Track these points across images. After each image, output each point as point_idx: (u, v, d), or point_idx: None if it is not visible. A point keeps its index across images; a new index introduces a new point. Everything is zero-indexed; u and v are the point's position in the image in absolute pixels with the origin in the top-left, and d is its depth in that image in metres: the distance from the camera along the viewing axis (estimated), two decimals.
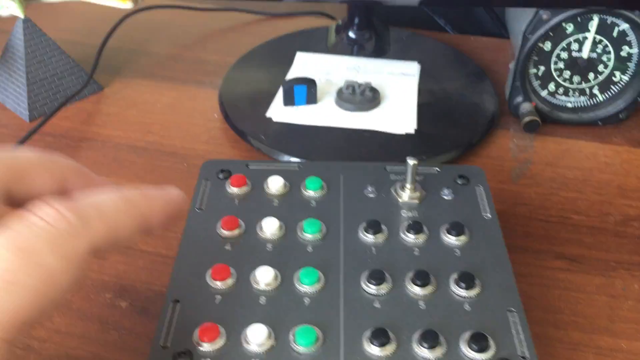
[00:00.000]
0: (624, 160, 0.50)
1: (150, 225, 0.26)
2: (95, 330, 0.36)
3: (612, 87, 0.53)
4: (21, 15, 0.52)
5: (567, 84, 0.53)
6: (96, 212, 0.24)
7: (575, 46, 0.51)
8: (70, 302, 0.38)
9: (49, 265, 0.22)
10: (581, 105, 0.53)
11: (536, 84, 0.53)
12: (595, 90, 0.53)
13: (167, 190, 0.28)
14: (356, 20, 0.59)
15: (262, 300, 0.31)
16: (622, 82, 0.52)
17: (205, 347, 0.29)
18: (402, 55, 0.60)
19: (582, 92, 0.53)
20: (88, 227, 0.24)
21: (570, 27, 0.50)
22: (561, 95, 0.53)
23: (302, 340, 0.29)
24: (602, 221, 0.44)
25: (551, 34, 0.50)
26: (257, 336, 0.29)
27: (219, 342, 0.29)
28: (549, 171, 0.49)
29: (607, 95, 0.53)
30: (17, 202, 0.26)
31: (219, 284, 0.32)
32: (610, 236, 0.43)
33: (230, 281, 0.32)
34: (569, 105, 0.53)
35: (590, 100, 0.53)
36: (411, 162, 0.36)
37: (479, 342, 0.29)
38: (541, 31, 0.49)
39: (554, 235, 0.43)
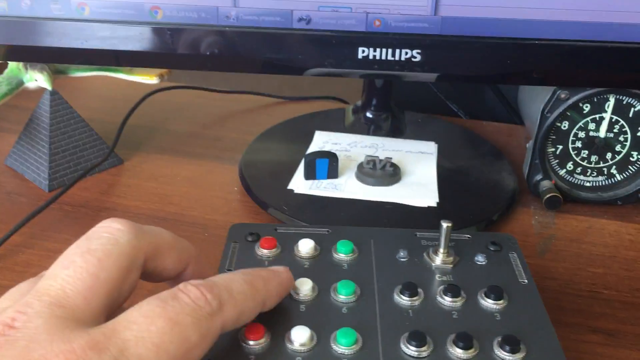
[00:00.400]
0: None
1: (265, 307, 0.30)
2: None
3: (629, 167, 0.53)
4: (49, 87, 0.53)
5: (585, 163, 0.53)
6: (229, 297, 0.28)
7: (592, 126, 0.52)
8: None
9: (190, 338, 0.25)
10: (600, 185, 0.54)
11: (554, 162, 0.53)
12: (613, 170, 0.53)
13: (279, 272, 0.32)
14: (373, 101, 0.61)
15: None
16: (639, 162, 0.53)
17: None
18: (419, 135, 0.60)
19: (600, 171, 0.53)
20: (223, 309, 0.27)
21: (587, 107, 0.51)
22: (579, 174, 0.54)
23: None
24: (634, 296, 0.43)
25: (568, 113, 0.51)
26: None
27: None
28: (574, 247, 0.48)
29: (625, 175, 0.53)
30: (146, 273, 0.30)
31: (252, 344, 0.30)
32: None
33: (264, 341, 0.31)
34: (588, 184, 0.54)
35: (609, 179, 0.54)
36: (445, 224, 0.36)
37: None
38: (559, 110, 0.51)
39: (587, 309, 0.42)
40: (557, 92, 0.50)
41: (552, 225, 0.51)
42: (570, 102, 0.50)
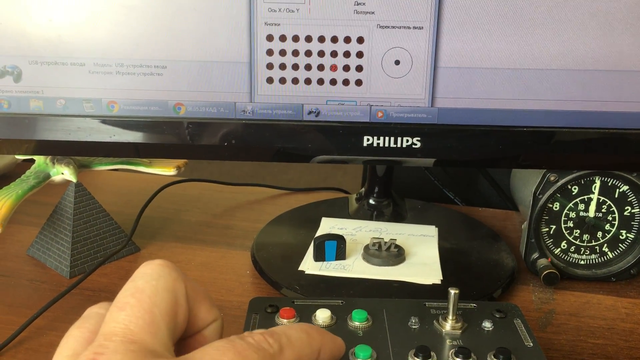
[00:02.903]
0: None
1: (320, 358, 0.32)
2: None
3: (620, 245, 0.56)
4: (74, 180, 0.57)
5: (577, 242, 0.57)
6: (288, 342, 0.30)
7: (581, 206, 0.56)
8: None
9: None
10: (593, 262, 0.57)
11: (549, 242, 0.57)
12: (605, 248, 0.57)
13: (335, 336, 0.34)
14: (375, 189, 0.65)
15: None
16: (629, 240, 0.56)
17: None
18: (419, 220, 0.64)
19: (592, 249, 0.57)
20: (283, 352, 0.29)
21: (575, 189, 0.55)
22: (573, 252, 0.57)
23: None
24: None
25: (558, 194, 0.55)
26: None
27: None
28: (574, 320, 0.50)
29: (616, 253, 0.57)
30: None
31: None
32: None
33: None
34: (582, 262, 0.57)
35: (601, 257, 0.57)
36: (452, 291, 0.39)
37: None
38: (550, 191, 0.54)
39: None
40: (547, 175, 0.54)
41: (551, 301, 0.53)
42: (559, 184, 0.54)
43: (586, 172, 0.54)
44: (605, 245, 0.57)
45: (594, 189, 0.55)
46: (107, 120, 0.51)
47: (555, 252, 0.57)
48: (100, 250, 0.58)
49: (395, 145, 0.51)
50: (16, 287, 0.54)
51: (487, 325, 0.39)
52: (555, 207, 0.56)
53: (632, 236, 0.56)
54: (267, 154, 0.53)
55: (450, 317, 0.39)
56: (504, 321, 0.40)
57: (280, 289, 0.52)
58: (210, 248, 0.62)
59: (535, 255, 0.56)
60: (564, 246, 0.57)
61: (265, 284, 0.54)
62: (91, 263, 0.57)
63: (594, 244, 0.57)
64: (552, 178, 0.54)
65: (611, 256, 0.57)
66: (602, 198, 0.55)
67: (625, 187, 0.55)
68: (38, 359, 0.45)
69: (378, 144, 0.51)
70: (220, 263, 0.58)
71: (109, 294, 0.53)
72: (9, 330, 0.47)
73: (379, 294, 0.51)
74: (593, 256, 0.57)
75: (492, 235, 0.62)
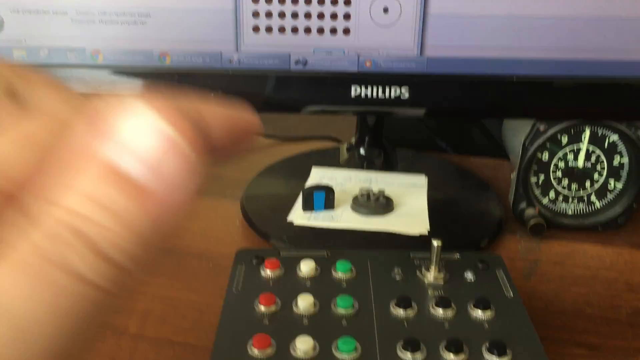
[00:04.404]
0: (627, 260, 0.52)
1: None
2: None
3: (608, 194, 0.57)
4: None
5: (566, 192, 0.57)
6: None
7: (570, 156, 0.56)
8: None
9: None
10: (581, 212, 0.57)
11: (537, 192, 0.57)
12: (593, 198, 0.57)
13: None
14: (366, 139, 0.64)
15: None
16: (617, 190, 0.56)
17: None
18: (410, 170, 0.64)
19: (580, 199, 0.57)
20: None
21: (565, 139, 0.55)
22: (561, 202, 0.57)
23: None
24: (615, 313, 0.46)
25: (548, 145, 0.55)
26: None
27: None
28: (558, 269, 0.51)
29: (604, 202, 0.57)
30: None
31: (259, 353, 0.33)
32: (625, 327, 0.44)
33: (270, 350, 0.33)
34: (569, 212, 0.57)
35: (589, 207, 0.57)
36: (435, 243, 0.39)
37: None
38: (539, 142, 0.54)
39: (571, 325, 0.45)
40: (536, 125, 0.54)
41: (537, 250, 0.54)
42: (548, 134, 0.54)
43: (576, 121, 0.54)
44: (594, 194, 0.57)
45: (584, 138, 0.55)
46: (92, 70, 0.50)
47: (544, 202, 0.57)
48: None
49: (383, 96, 0.51)
50: None
51: (469, 275, 0.40)
52: (544, 157, 0.56)
53: (621, 186, 0.56)
54: (255, 104, 0.52)
55: (432, 268, 0.40)
56: (486, 272, 0.41)
57: (268, 239, 0.53)
58: (201, 198, 0.61)
59: (523, 205, 0.56)
60: (552, 196, 0.57)
61: (254, 235, 0.54)
62: None
63: (582, 193, 0.57)
64: (541, 128, 0.54)
65: (599, 206, 0.57)
66: (591, 148, 0.55)
67: (615, 137, 0.55)
68: None
69: (366, 94, 0.51)
70: (211, 213, 0.59)
71: None
72: None
73: (367, 245, 0.52)
74: (581, 205, 0.57)
75: (482, 185, 0.62)
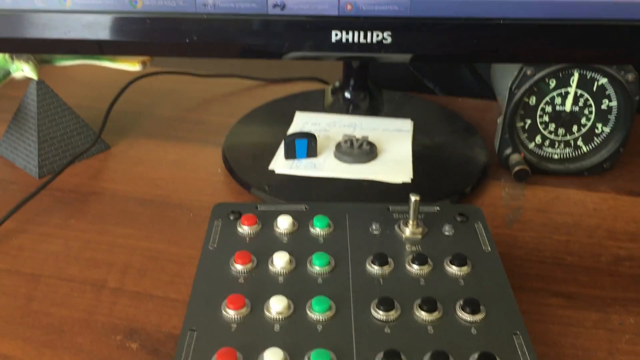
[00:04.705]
0: (610, 206, 0.52)
1: None
2: None
3: (595, 138, 0.56)
4: (35, 77, 0.55)
5: (552, 137, 0.56)
6: None
7: (558, 100, 0.54)
8: (81, 344, 0.39)
9: None
10: (567, 157, 0.56)
11: (523, 136, 0.56)
12: (580, 142, 0.56)
13: None
14: (351, 82, 0.63)
15: (277, 327, 0.32)
16: (604, 134, 0.55)
17: None
18: (395, 113, 0.63)
19: (567, 143, 0.56)
20: None
21: (552, 83, 0.54)
22: (547, 147, 0.56)
23: None
24: (595, 261, 0.46)
25: (535, 89, 0.54)
26: (274, 359, 0.30)
27: None
28: (541, 217, 0.51)
29: (590, 147, 0.56)
30: None
31: (233, 313, 0.33)
32: (604, 275, 0.45)
33: (244, 310, 0.33)
34: (555, 156, 0.56)
35: (575, 151, 0.56)
36: (413, 198, 0.38)
37: None
38: (526, 86, 0.53)
39: (550, 275, 0.45)
40: (524, 69, 0.52)
41: (521, 197, 0.53)
42: (536, 78, 0.53)
43: (564, 65, 0.52)
44: (580, 139, 0.56)
45: (572, 82, 0.53)
46: (60, 15, 0.48)
47: (530, 147, 0.56)
48: (69, 149, 0.57)
49: (365, 41, 0.49)
50: None
51: (448, 229, 0.39)
52: (531, 102, 0.54)
53: (608, 130, 0.55)
54: (233, 50, 0.50)
55: (410, 223, 0.39)
56: (465, 225, 0.40)
57: (249, 189, 0.52)
58: (183, 145, 0.61)
59: (509, 150, 0.55)
60: (538, 141, 0.56)
61: (236, 184, 0.54)
62: (60, 163, 0.56)
63: (568, 138, 0.56)
64: (528, 72, 0.52)
65: (585, 150, 0.56)
66: (579, 91, 0.54)
67: (604, 80, 0.53)
68: (6, 262, 0.45)
69: (347, 39, 0.49)
70: (192, 161, 0.58)
71: (79, 195, 0.53)
72: None
73: (349, 194, 0.51)
74: (567, 150, 0.56)
75: (468, 129, 0.61)
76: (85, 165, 0.57)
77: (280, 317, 0.33)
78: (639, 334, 0.40)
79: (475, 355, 0.30)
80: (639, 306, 0.42)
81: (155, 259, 0.46)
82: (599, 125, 0.55)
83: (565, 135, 0.56)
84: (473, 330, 0.32)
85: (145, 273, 0.44)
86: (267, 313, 0.33)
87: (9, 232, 0.48)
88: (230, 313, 0.33)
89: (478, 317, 0.33)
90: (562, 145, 0.56)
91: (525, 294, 0.43)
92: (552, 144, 0.56)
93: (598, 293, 0.43)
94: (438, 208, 0.42)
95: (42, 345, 0.38)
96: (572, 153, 0.56)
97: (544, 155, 0.56)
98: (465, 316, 0.33)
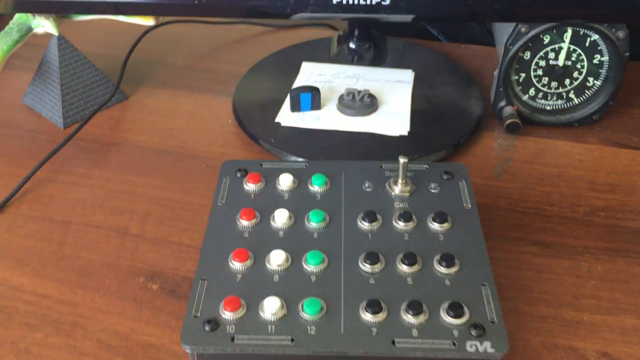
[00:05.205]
0: (595, 157, 0.56)
1: None
2: (131, 309, 0.43)
3: (586, 91, 0.58)
4: (55, 32, 0.58)
5: (545, 89, 0.59)
6: None
7: (552, 55, 0.57)
8: (109, 285, 0.44)
9: None
10: (559, 108, 0.59)
11: (518, 89, 0.59)
12: (572, 95, 0.59)
13: None
14: (356, 32, 0.65)
15: (276, 278, 0.37)
16: (595, 87, 0.58)
17: (229, 315, 0.35)
18: (398, 63, 0.65)
19: (559, 96, 0.59)
20: None
21: (547, 38, 0.56)
22: (541, 99, 0.59)
23: (309, 310, 0.35)
24: (573, 212, 0.50)
25: (530, 44, 0.56)
26: (271, 307, 0.35)
27: (240, 312, 0.35)
28: (528, 168, 0.54)
29: (582, 99, 0.59)
30: None
31: (239, 265, 0.38)
32: (579, 225, 0.49)
33: (248, 262, 0.38)
34: (548, 108, 0.59)
35: (567, 103, 0.59)
36: (402, 160, 0.42)
37: (456, 310, 0.35)
38: (520, 42, 0.55)
39: (530, 224, 0.49)
40: (518, 27, 0.55)
41: (511, 148, 0.57)
42: (530, 35, 0.55)
43: (558, 23, 0.54)
44: (572, 91, 0.59)
45: (565, 38, 0.56)
46: None
47: (523, 99, 0.59)
48: (90, 101, 0.61)
49: (365, 3, 0.51)
50: (16, 137, 0.59)
51: (434, 187, 0.44)
52: (526, 56, 0.57)
53: (599, 83, 0.58)
54: (239, 10, 0.53)
55: (400, 182, 0.43)
56: (450, 183, 0.44)
57: (257, 140, 0.56)
58: (195, 94, 0.64)
59: (502, 103, 0.58)
60: (532, 93, 0.59)
61: (245, 135, 0.58)
62: (82, 114, 0.60)
63: (561, 90, 0.59)
64: (522, 30, 0.55)
65: (577, 102, 0.59)
66: (572, 47, 0.56)
67: (596, 37, 0.55)
68: (40, 210, 0.51)
69: (348, 0, 0.51)
70: (204, 111, 0.62)
71: (101, 145, 0.58)
72: (12, 182, 0.52)
73: (349, 146, 0.55)
74: (559, 102, 0.59)
75: (467, 80, 0.64)
76: (105, 116, 0.61)
77: (280, 268, 0.38)
78: (604, 280, 0.44)
79: (446, 304, 0.35)
80: (608, 255, 0.46)
81: (172, 208, 0.51)
82: (590, 79, 0.58)
83: (557, 88, 0.58)
84: (447, 282, 0.37)
85: (163, 221, 0.49)
86: (268, 265, 0.38)
87: (40, 181, 0.53)
88: (236, 265, 0.38)
89: (452, 270, 0.37)
90: (555, 97, 0.59)
91: (505, 242, 0.47)
92: (545, 96, 0.59)
93: (572, 242, 0.47)
94: (426, 166, 0.45)
95: (75, 286, 0.44)
96: (563, 105, 0.59)
97: (537, 107, 0.59)
98: (441, 269, 0.38)
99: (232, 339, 0.34)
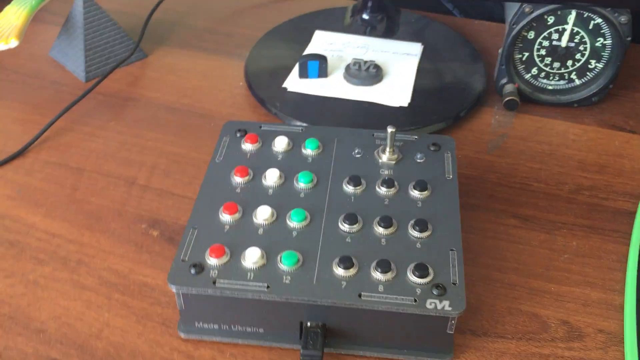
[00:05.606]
0: (589, 138, 0.57)
1: None
2: (132, 252, 0.46)
3: (588, 73, 0.60)
4: None
5: (548, 69, 0.60)
6: None
7: (555, 36, 0.58)
8: (114, 229, 0.48)
9: None
10: (560, 88, 0.61)
11: (520, 67, 0.60)
12: (573, 76, 0.60)
13: None
14: (369, 3, 0.67)
15: (260, 231, 0.40)
16: (597, 69, 0.59)
17: (214, 261, 0.38)
18: (409, 36, 0.67)
19: (561, 76, 0.60)
20: None
21: (551, 19, 0.57)
22: (543, 78, 0.60)
23: (286, 261, 0.38)
24: (558, 189, 0.52)
25: (534, 24, 0.57)
26: (252, 256, 0.38)
27: (224, 259, 0.38)
28: (521, 145, 0.56)
29: (583, 80, 0.60)
30: None
31: (228, 217, 0.41)
32: (562, 202, 0.51)
33: (237, 215, 0.41)
34: (549, 87, 0.61)
35: (568, 84, 0.60)
36: (390, 129, 0.45)
37: (421, 271, 0.37)
38: (523, 22, 0.57)
39: (514, 199, 0.51)
40: (522, 7, 0.56)
41: (508, 125, 0.59)
42: (533, 15, 0.56)
43: (560, 5, 0.55)
44: (574, 72, 0.60)
45: (569, 20, 0.57)
46: None
47: (526, 78, 0.61)
48: (111, 57, 0.64)
49: None
50: (40, 88, 0.63)
51: (420, 157, 0.46)
52: (530, 36, 0.58)
53: (601, 66, 0.59)
54: None
55: (387, 150, 0.46)
56: (436, 154, 0.46)
57: (264, 104, 0.59)
58: (212, 56, 0.67)
59: (504, 80, 0.60)
60: (534, 72, 0.60)
61: (253, 99, 0.61)
62: (104, 69, 0.64)
63: (563, 71, 0.60)
64: (527, 10, 0.56)
65: (578, 83, 0.60)
66: (575, 29, 0.57)
67: (599, 20, 0.56)
68: (57, 156, 0.55)
69: None
70: (218, 73, 0.65)
71: (118, 100, 0.61)
72: (34, 129, 0.56)
73: (350, 114, 0.57)
74: (561, 82, 0.60)
75: (474, 56, 0.65)
76: (125, 72, 0.65)
77: (265, 223, 0.41)
78: (577, 255, 0.46)
79: (413, 265, 0.38)
80: (585, 231, 0.48)
81: (178, 162, 0.54)
82: (593, 61, 0.59)
83: (560, 68, 0.60)
84: (418, 245, 0.40)
85: (168, 174, 0.53)
86: (254, 219, 0.41)
87: (60, 129, 0.57)
88: (225, 217, 0.41)
89: (425, 234, 0.40)
90: (557, 77, 0.60)
91: (488, 214, 0.50)
92: (547, 76, 0.60)
93: (552, 217, 0.49)
94: (416, 137, 0.48)
95: (83, 227, 0.48)
96: (565, 85, 0.60)
97: (539, 86, 0.61)
98: (414, 233, 0.40)
99: (214, 282, 0.37)
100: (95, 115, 0.59)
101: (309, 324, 0.38)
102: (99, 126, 0.58)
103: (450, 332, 0.38)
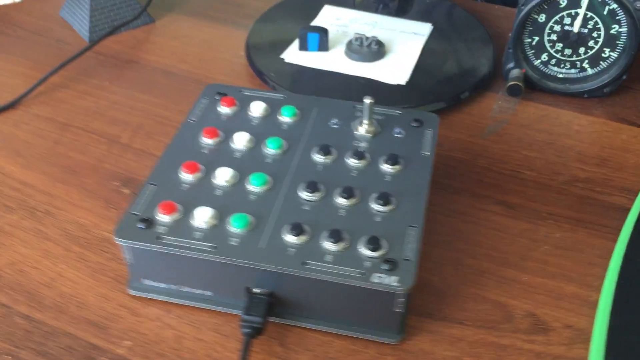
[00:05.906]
0: (595, 130, 0.54)
1: None
2: (100, 207, 0.46)
3: (601, 62, 0.56)
4: None
5: (559, 56, 0.57)
6: None
7: (567, 20, 0.55)
8: (86, 184, 0.48)
9: None
10: (570, 77, 0.57)
11: (530, 53, 0.57)
12: (586, 64, 0.57)
13: None
14: None
15: (218, 192, 0.39)
16: (611, 59, 0.56)
17: (164, 218, 0.37)
18: (421, 16, 0.65)
19: (573, 64, 0.57)
20: None
21: (563, 2, 0.54)
22: (553, 65, 0.57)
23: (236, 223, 0.37)
24: (551, 179, 0.49)
25: (545, 6, 0.54)
26: (203, 215, 0.37)
27: (175, 217, 0.37)
28: (520, 132, 0.54)
29: (596, 70, 0.57)
30: None
31: (188, 176, 0.40)
32: (553, 192, 0.48)
33: (198, 175, 0.40)
34: (560, 75, 0.58)
35: (580, 73, 0.57)
36: (367, 100, 0.43)
37: (373, 244, 0.36)
38: (533, 3, 0.54)
39: (503, 185, 0.49)
40: None
41: (510, 111, 0.56)
42: None
43: None
44: (587, 61, 0.57)
45: (582, 3, 0.54)
46: None
47: (535, 64, 0.58)
48: (117, 19, 0.64)
49: None
50: (44, 45, 0.63)
51: (398, 132, 0.44)
52: (541, 19, 0.55)
53: (615, 55, 0.55)
54: None
55: (365, 121, 0.44)
56: (416, 130, 0.44)
57: (259, 73, 0.58)
58: (218, 25, 0.67)
59: (511, 65, 0.57)
60: (544, 58, 0.57)
61: (251, 69, 0.59)
62: (109, 30, 0.64)
63: (575, 59, 0.57)
64: None
65: (590, 72, 0.57)
66: (589, 13, 0.54)
67: (615, 5, 0.53)
68: (47, 111, 0.55)
69: None
70: (221, 42, 0.64)
71: (117, 61, 0.61)
72: (31, 84, 0.57)
73: (344, 88, 0.56)
74: (572, 70, 0.57)
75: (484, 40, 0.63)
76: (129, 36, 0.65)
77: (225, 184, 0.40)
78: (558, 247, 0.44)
79: (365, 238, 0.36)
80: (572, 224, 0.45)
81: (164, 125, 0.54)
82: (607, 50, 0.55)
83: (571, 55, 0.57)
84: (378, 219, 0.38)
85: (151, 135, 0.52)
86: (214, 180, 0.40)
87: (55, 85, 0.58)
88: (185, 176, 0.40)
89: (386, 208, 0.38)
90: (568, 65, 0.57)
91: (471, 198, 0.47)
92: (558, 63, 0.57)
93: (539, 207, 0.47)
94: (399, 112, 0.46)
95: (58, 180, 0.48)
96: (576, 74, 0.57)
97: (548, 73, 0.58)
98: (376, 206, 0.38)
99: (158, 238, 0.36)
100: (92, 75, 0.59)
101: (255, 290, 0.37)
102: (94, 85, 0.58)
103: (399, 310, 0.36)
